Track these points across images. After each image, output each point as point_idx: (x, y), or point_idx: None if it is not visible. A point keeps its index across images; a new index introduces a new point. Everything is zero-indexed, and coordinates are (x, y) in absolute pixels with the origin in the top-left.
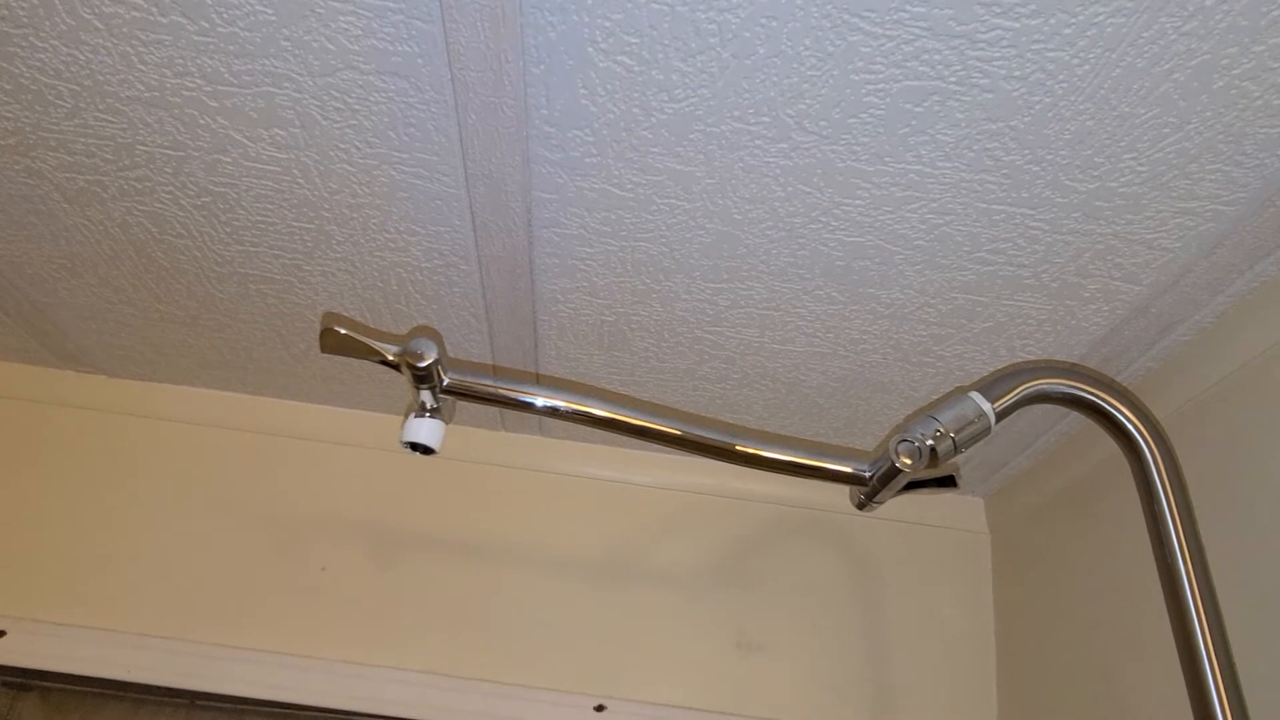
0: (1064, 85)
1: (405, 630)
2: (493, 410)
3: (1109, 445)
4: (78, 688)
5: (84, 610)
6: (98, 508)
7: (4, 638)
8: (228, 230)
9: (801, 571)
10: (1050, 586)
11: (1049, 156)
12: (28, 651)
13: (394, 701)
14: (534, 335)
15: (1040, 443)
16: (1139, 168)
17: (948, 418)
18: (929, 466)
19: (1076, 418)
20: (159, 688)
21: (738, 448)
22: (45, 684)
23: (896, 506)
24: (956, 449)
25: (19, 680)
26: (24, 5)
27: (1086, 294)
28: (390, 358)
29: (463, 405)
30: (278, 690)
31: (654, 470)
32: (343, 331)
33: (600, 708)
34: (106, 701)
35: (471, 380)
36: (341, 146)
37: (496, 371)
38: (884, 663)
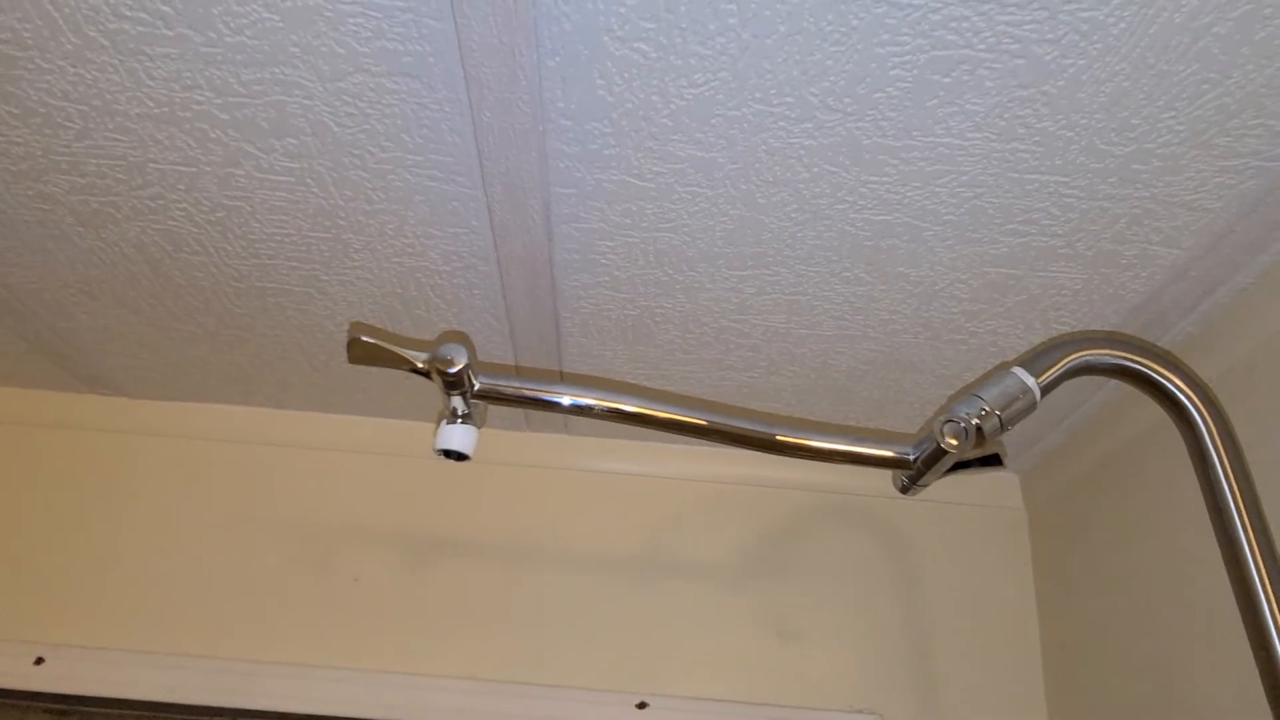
0: (1098, 46)
1: (442, 637)
2: (517, 411)
3: (1146, 415)
4: (118, 711)
5: (120, 634)
6: (128, 530)
7: (42, 665)
8: (243, 244)
9: (837, 557)
10: (1091, 562)
11: (1083, 121)
12: (66, 677)
13: (434, 709)
14: (556, 333)
15: (1075, 416)
16: (1178, 127)
17: (992, 395)
18: (975, 446)
19: (1112, 388)
20: (199, 707)
21: (778, 438)
22: (86, 709)
23: (930, 487)
24: (1003, 426)
25: (60, 706)
26: (28, 27)
27: (1124, 261)
28: (420, 365)
29: (489, 407)
30: (317, 703)
31: (683, 463)
32: (370, 341)
33: (642, 705)
34: None
35: (503, 384)
36: (355, 152)
37: (520, 372)
38: (926, 645)
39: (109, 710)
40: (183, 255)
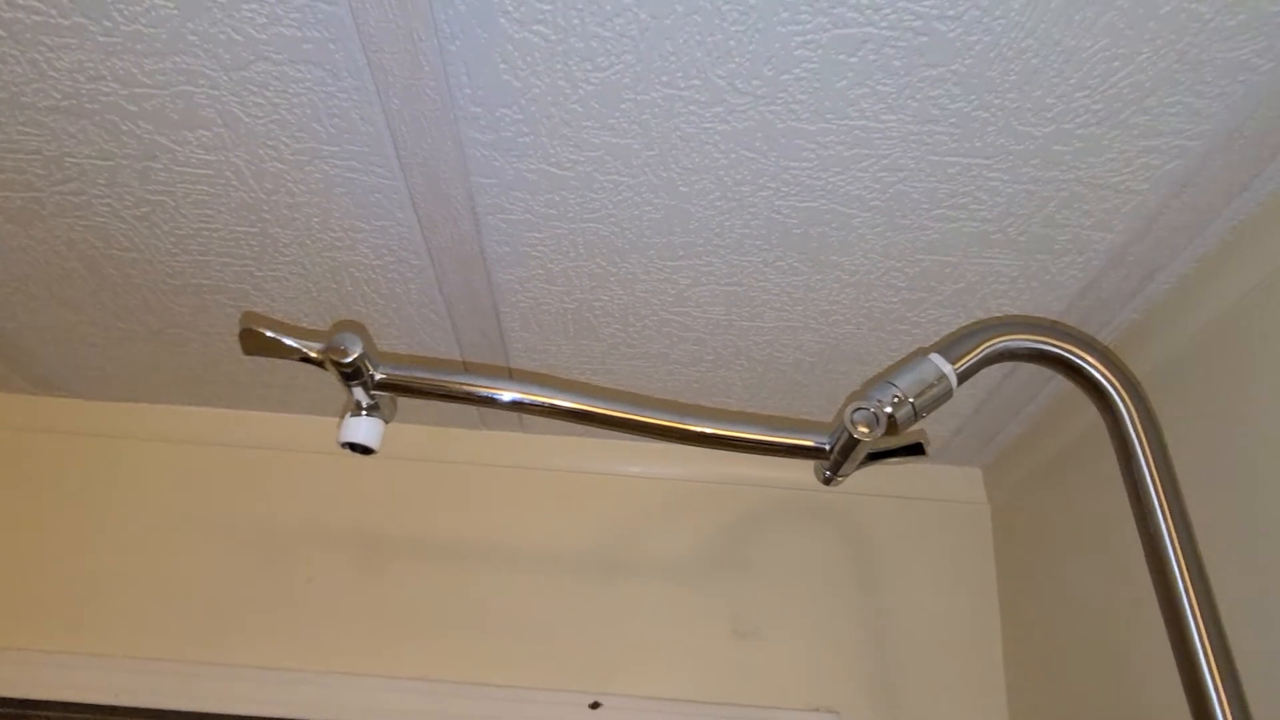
0: (1001, 22)
1: (396, 637)
2: (471, 410)
3: None
4: (73, 715)
5: (71, 637)
6: (79, 533)
7: None
8: (172, 240)
9: (796, 554)
10: (1053, 553)
11: (997, 101)
12: (16, 681)
13: (388, 710)
14: (499, 328)
15: (1033, 406)
16: (1094, 106)
17: (906, 382)
18: (889, 434)
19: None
20: (148, 710)
21: (689, 428)
22: (39, 713)
23: (891, 481)
24: (916, 415)
25: (14, 711)
26: None
27: (1058, 246)
28: (313, 355)
29: (443, 405)
30: (270, 705)
31: (640, 460)
32: (265, 333)
33: (595, 705)
34: None
35: (404, 374)
36: (269, 143)
37: (468, 369)
38: (887, 642)
39: (65, 714)
40: (114, 252)
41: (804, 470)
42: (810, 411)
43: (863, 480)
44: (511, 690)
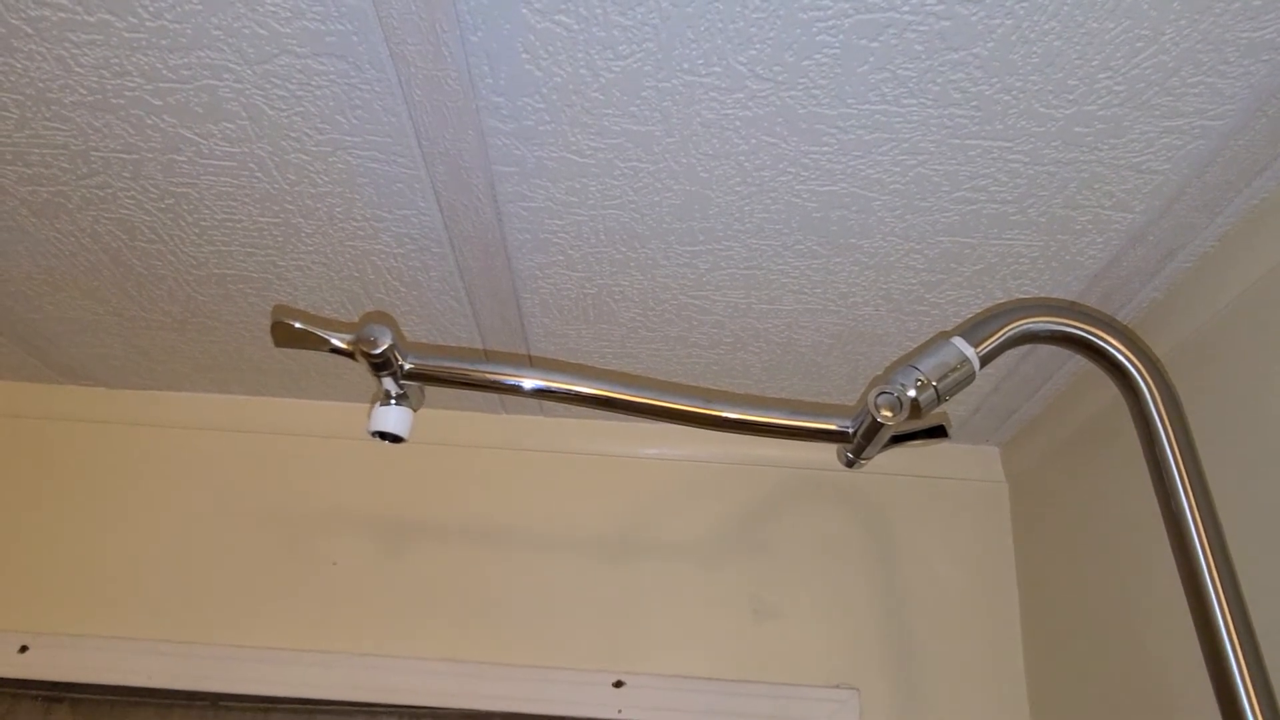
0: (1024, 5)
1: (421, 619)
2: (492, 394)
3: None
4: (106, 696)
5: (101, 621)
6: (107, 519)
7: (26, 653)
8: (196, 231)
9: (816, 534)
10: (1072, 532)
11: (1019, 84)
12: (49, 665)
13: (415, 690)
14: (519, 314)
15: (1050, 385)
16: (1116, 87)
17: (929, 366)
18: (912, 418)
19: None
20: (180, 691)
21: (713, 413)
22: (74, 695)
23: (909, 460)
24: (939, 398)
25: (49, 693)
26: None
27: (1078, 226)
28: (344, 346)
29: (463, 392)
30: (298, 687)
31: (659, 442)
32: (294, 325)
33: (619, 683)
34: (135, 707)
35: (433, 364)
36: (292, 135)
37: (489, 356)
38: (904, 619)
39: (98, 695)
40: (139, 244)
41: (822, 450)
42: (828, 393)
43: (880, 459)
44: (535, 670)
